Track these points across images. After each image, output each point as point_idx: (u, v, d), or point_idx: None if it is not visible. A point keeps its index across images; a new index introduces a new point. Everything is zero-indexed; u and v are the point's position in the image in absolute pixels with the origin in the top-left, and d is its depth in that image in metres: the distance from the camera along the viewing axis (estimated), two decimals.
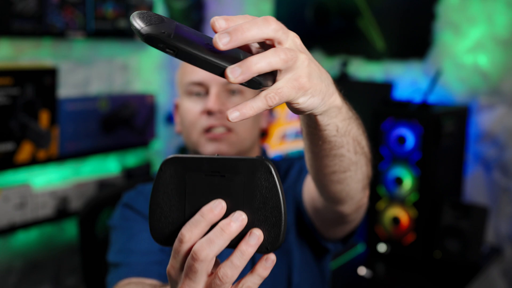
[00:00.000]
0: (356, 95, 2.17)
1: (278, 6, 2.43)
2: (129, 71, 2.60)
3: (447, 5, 2.02)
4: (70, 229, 2.36)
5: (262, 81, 0.60)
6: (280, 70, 0.60)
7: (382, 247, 1.86)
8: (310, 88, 0.62)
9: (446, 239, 1.78)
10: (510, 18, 1.92)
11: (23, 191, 2.08)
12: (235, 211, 0.60)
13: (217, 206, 0.59)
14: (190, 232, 0.59)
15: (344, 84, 2.20)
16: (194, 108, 1.17)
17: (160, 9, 2.68)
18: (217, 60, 0.58)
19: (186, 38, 0.58)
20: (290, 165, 1.25)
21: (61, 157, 2.20)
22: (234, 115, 0.57)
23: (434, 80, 1.87)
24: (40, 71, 2.07)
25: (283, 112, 2.22)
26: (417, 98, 2.00)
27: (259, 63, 0.58)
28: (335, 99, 0.68)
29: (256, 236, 0.60)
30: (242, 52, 0.61)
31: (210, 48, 0.58)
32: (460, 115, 1.91)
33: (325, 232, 1.12)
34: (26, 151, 2.04)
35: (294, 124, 2.25)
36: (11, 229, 2.05)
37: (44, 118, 2.09)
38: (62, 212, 2.22)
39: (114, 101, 2.39)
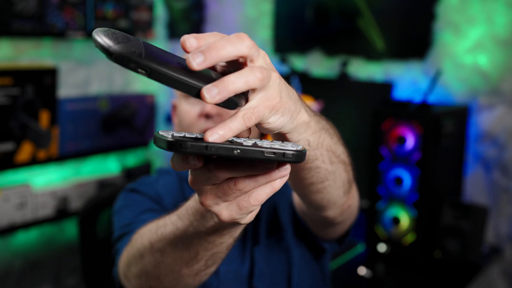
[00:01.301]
0: (356, 95, 2.17)
1: (278, 6, 2.43)
2: (129, 71, 2.60)
3: (447, 5, 2.02)
4: (70, 229, 2.36)
5: (237, 100, 0.59)
6: (253, 89, 0.59)
7: (382, 247, 1.86)
8: (281, 108, 0.62)
9: (446, 239, 1.78)
10: (510, 18, 1.92)
11: (23, 191, 2.08)
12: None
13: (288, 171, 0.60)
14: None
15: (344, 84, 2.20)
16: (192, 111, 1.16)
17: (160, 9, 2.68)
18: (191, 80, 0.56)
19: (158, 58, 0.55)
20: None
21: (61, 157, 2.20)
22: (213, 137, 0.55)
23: (434, 80, 1.87)
24: (40, 71, 2.07)
25: None
26: (417, 98, 2.00)
27: (236, 83, 0.56)
28: (302, 115, 0.67)
29: (286, 178, 0.60)
30: (213, 72, 0.60)
31: (183, 67, 0.56)
32: (460, 115, 1.91)
33: (318, 233, 1.12)
34: (26, 151, 2.05)
35: None
36: (11, 229, 2.05)
37: (44, 118, 2.09)
38: (62, 212, 2.22)
39: (114, 101, 2.39)
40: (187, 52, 0.56)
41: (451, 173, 1.93)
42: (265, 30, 2.49)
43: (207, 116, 1.14)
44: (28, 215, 2.10)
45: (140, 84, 2.67)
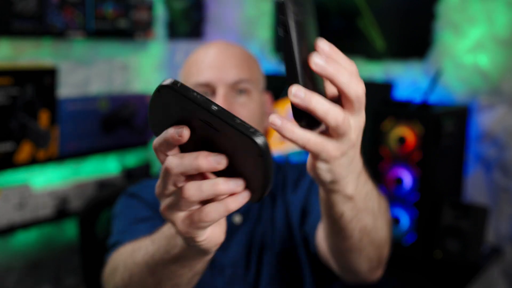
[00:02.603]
0: None
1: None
2: (129, 71, 2.60)
3: (447, 5, 2.02)
4: (70, 229, 2.36)
5: (317, 123, 0.60)
6: (327, 128, 0.60)
7: None
8: (333, 163, 0.62)
9: (446, 239, 1.78)
10: (510, 18, 1.92)
11: (23, 191, 2.08)
12: (235, 177, 0.59)
13: (219, 162, 0.59)
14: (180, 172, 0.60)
15: None
16: None
17: (160, 9, 2.68)
18: (300, 72, 0.58)
19: (300, 35, 0.57)
20: (300, 174, 1.23)
21: (61, 157, 2.20)
22: (274, 119, 0.58)
23: (434, 80, 1.87)
24: (40, 71, 2.07)
25: (284, 112, 2.22)
26: (417, 98, 2.00)
27: (319, 106, 0.57)
28: (348, 186, 0.67)
29: (243, 199, 0.60)
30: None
31: (305, 58, 0.58)
32: (460, 115, 1.90)
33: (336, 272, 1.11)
34: (26, 151, 2.04)
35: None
36: (11, 229, 2.05)
37: (44, 118, 2.09)
38: (62, 212, 2.22)
39: (114, 101, 2.39)
40: (316, 50, 0.58)
41: (451, 173, 1.93)
42: (265, 30, 2.49)
43: None
44: (27, 215, 2.09)
45: (140, 84, 2.67)
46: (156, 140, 0.61)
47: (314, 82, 0.59)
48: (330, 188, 0.67)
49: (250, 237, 1.17)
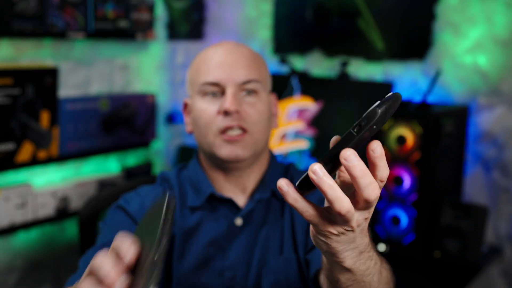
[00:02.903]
0: (356, 95, 2.18)
1: (278, 6, 2.44)
2: (129, 71, 2.61)
3: (447, 5, 2.03)
4: (70, 229, 2.36)
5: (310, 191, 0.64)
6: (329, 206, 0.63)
7: (382, 247, 1.86)
8: (325, 234, 0.66)
9: (446, 239, 1.78)
10: (510, 18, 1.92)
11: (24, 191, 2.08)
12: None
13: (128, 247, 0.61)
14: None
15: (344, 84, 2.20)
16: (210, 109, 1.14)
17: (160, 9, 2.68)
18: (334, 159, 0.61)
19: (365, 135, 0.60)
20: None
21: (62, 157, 2.20)
22: (281, 183, 0.62)
23: (434, 80, 1.87)
24: (40, 71, 2.07)
25: (283, 112, 2.22)
26: (417, 98, 2.00)
27: (331, 191, 0.60)
28: (345, 260, 0.70)
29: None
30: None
31: (355, 143, 0.60)
32: (460, 115, 1.91)
33: None
34: (26, 151, 2.05)
35: (294, 124, 2.25)
36: (12, 229, 2.06)
37: (44, 118, 2.10)
38: (62, 212, 2.22)
39: (114, 101, 2.40)
40: (371, 145, 0.61)
41: (451, 173, 1.93)
42: (265, 30, 2.49)
43: (226, 113, 1.12)
44: (28, 215, 2.10)
45: (140, 84, 2.68)
46: (120, 237, 0.63)
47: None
48: (327, 257, 0.70)
49: (252, 240, 1.16)
